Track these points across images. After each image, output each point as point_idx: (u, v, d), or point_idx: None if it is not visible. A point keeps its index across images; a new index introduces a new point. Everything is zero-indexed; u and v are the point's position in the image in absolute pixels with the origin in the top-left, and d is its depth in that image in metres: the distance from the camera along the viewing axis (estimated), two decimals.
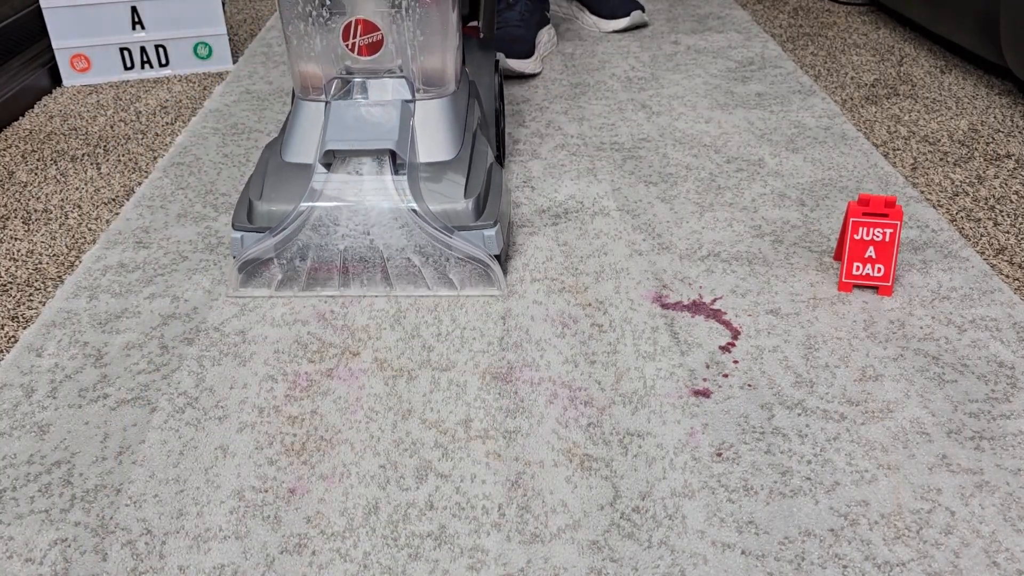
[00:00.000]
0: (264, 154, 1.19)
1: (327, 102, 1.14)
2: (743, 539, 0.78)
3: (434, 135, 1.14)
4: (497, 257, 1.11)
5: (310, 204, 1.09)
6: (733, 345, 1.02)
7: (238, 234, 1.11)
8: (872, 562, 0.75)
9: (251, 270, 1.12)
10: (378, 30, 1.11)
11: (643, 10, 2.05)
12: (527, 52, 1.77)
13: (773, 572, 0.75)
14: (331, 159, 1.10)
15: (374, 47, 1.13)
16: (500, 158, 1.38)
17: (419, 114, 1.14)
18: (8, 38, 1.77)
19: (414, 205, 1.08)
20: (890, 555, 0.76)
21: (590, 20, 2.07)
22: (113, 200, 1.39)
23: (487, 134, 1.29)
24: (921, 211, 1.27)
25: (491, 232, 1.09)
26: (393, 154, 1.09)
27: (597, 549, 0.77)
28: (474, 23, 1.39)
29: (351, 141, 1.09)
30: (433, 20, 1.11)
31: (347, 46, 1.13)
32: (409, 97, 1.14)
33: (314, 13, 1.11)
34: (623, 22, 2.03)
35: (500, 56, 1.72)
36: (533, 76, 1.79)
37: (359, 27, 1.11)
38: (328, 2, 1.10)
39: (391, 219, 1.08)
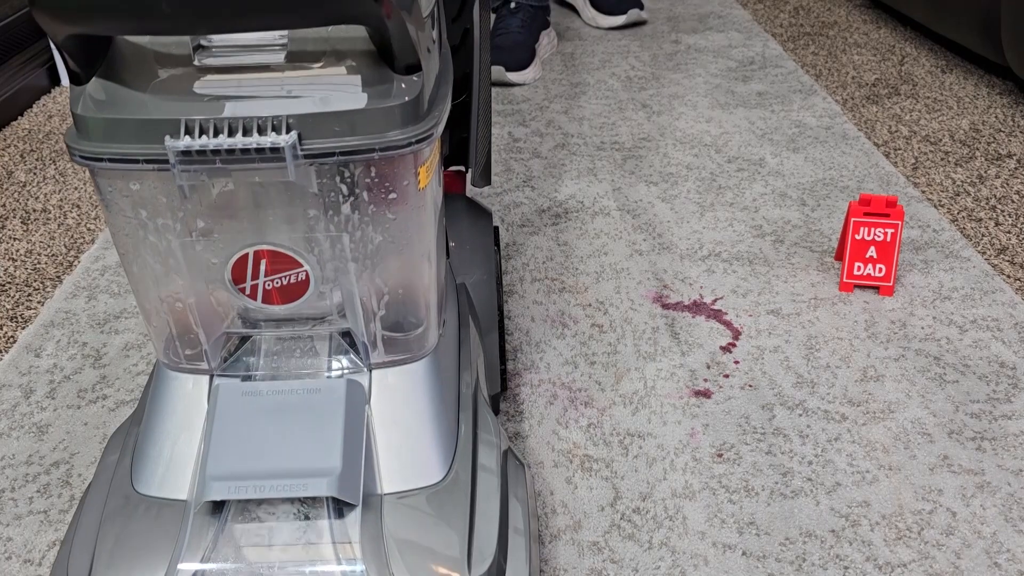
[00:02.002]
0: (104, 464, 0.68)
1: (212, 374, 0.65)
2: (744, 540, 0.77)
3: (407, 438, 0.65)
4: None
5: (189, 574, 0.59)
6: (734, 345, 1.01)
7: None
8: (873, 563, 0.75)
9: None
10: (299, 265, 0.61)
11: (642, 8, 2.06)
12: (527, 60, 1.77)
13: (774, 573, 0.74)
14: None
15: (292, 291, 0.62)
16: (502, 381, 0.92)
17: (379, 398, 0.65)
18: (6, 38, 1.77)
19: None
20: (891, 556, 0.76)
21: (589, 13, 2.09)
22: None
23: (487, 347, 0.84)
24: (922, 211, 1.26)
25: None
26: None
27: (597, 550, 0.77)
28: (458, 167, 0.93)
29: (252, 480, 0.59)
30: (401, 235, 0.61)
31: (242, 290, 0.62)
32: (359, 366, 0.65)
33: (176, 241, 0.59)
34: (620, 19, 2.05)
35: (499, 70, 1.72)
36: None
37: (263, 261, 0.61)
38: (201, 223, 0.59)
39: None
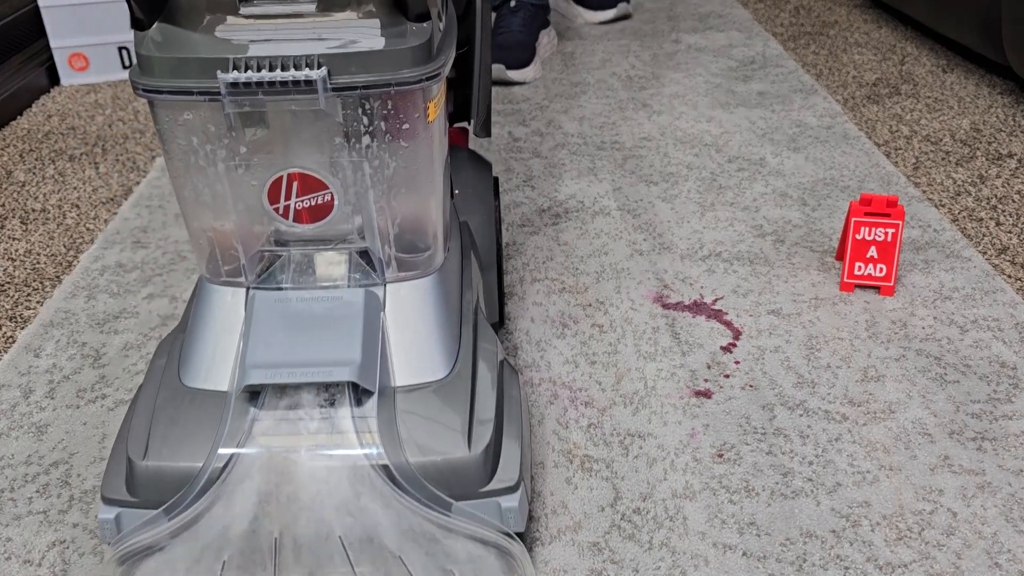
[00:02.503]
0: (154, 367, 0.79)
1: (248, 287, 0.75)
2: (744, 540, 0.77)
3: (416, 340, 0.75)
4: (522, 535, 0.73)
5: (228, 456, 0.69)
6: (734, 345, 1.01)
7: (111, 512, 0.71)
8: (874, 563, 0.75)
9: (138, 562, 0.72)
10: (325, 188, 0.71)
11: (628, 1, 2.11)
12: (527, 59, 1.77)
13: (774, 573, 0.74)
14: (258, 387, 0.72)
15: (319, 211, 0.72)
16: (500, 314, 1.02)
17: (392, 307, 0.75)
18: (6, 37, 1.77)
19: (386, 460, 0.69)
20: (892, 556, 0.75)
21: (574, 11, 2.12)
22: (111, 200, 1.38)
23: (487, 282, 0.95)
24: (923, 211, 1.26)
25: (512, 502, 0.71)
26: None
27: (598, 551, 0.77)
28: (461, 124, 1.04)
29: (286, 367, 0.70)
30: (412, 163, 0.72)
31: (276, 210, 0.72)
32: (375, 280, 0.76)
33: (221, 164, 0.70)
34: (609, 13, 2.09)
35: (499, 68, 1.72)
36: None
37: (295, 184, 0.71)
38: (244, 148, 0.69)
39: (352, 483, 0.69)
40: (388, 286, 0.76)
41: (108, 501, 0.72)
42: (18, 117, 1.70)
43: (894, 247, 1.06)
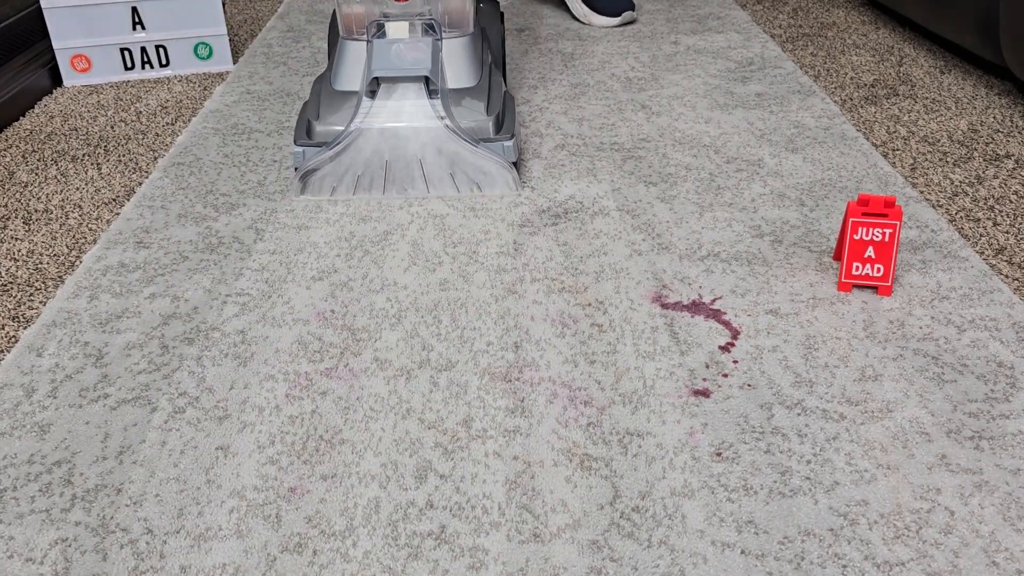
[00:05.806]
0: (315, 86, 1.44)
1: (368, 40, 1.36)
2: (743, 539, 0.78)
3: (459, 66, 1.38)
4: (514, 164, 1.35)
5: (359, 124, 1.31)
6: (733, 345, 1.02)
7: (299, 148, 1.34)
8: (872, 562, 0.75)
9: (308, 180, 1.35)
10: None
11: (633, 9, 2.11)
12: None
13: (773, 572, 0.75)
14: (375, 87, 1.33)
15: None
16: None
17: (445, 50, 1.38)
18: (8, 38, 1.77)
19: (447, 122, 1.31)
20: (889, 555, 0.76)
21: (582, 10, 2.11)
22: (113, 200, 1.39)
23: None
24: (920, 211, 1.27)
25: (509, 143, 1.34)
26: (427, 80, 1.33)
27: (597, 549, 0.77)
28: None
29: (393, 69, 1.32)
30: None
31: None
32: (437, 36, 1.37)
33: None
34: (615, 20, 2.08)
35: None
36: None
37: None
38: None
39: (428, 133, 1.32)
40: (444, 40, 1.38)
41: (298, 143, 1.34)
42: (20, 118, 1.70)
43: (891, 247, 1.07)
